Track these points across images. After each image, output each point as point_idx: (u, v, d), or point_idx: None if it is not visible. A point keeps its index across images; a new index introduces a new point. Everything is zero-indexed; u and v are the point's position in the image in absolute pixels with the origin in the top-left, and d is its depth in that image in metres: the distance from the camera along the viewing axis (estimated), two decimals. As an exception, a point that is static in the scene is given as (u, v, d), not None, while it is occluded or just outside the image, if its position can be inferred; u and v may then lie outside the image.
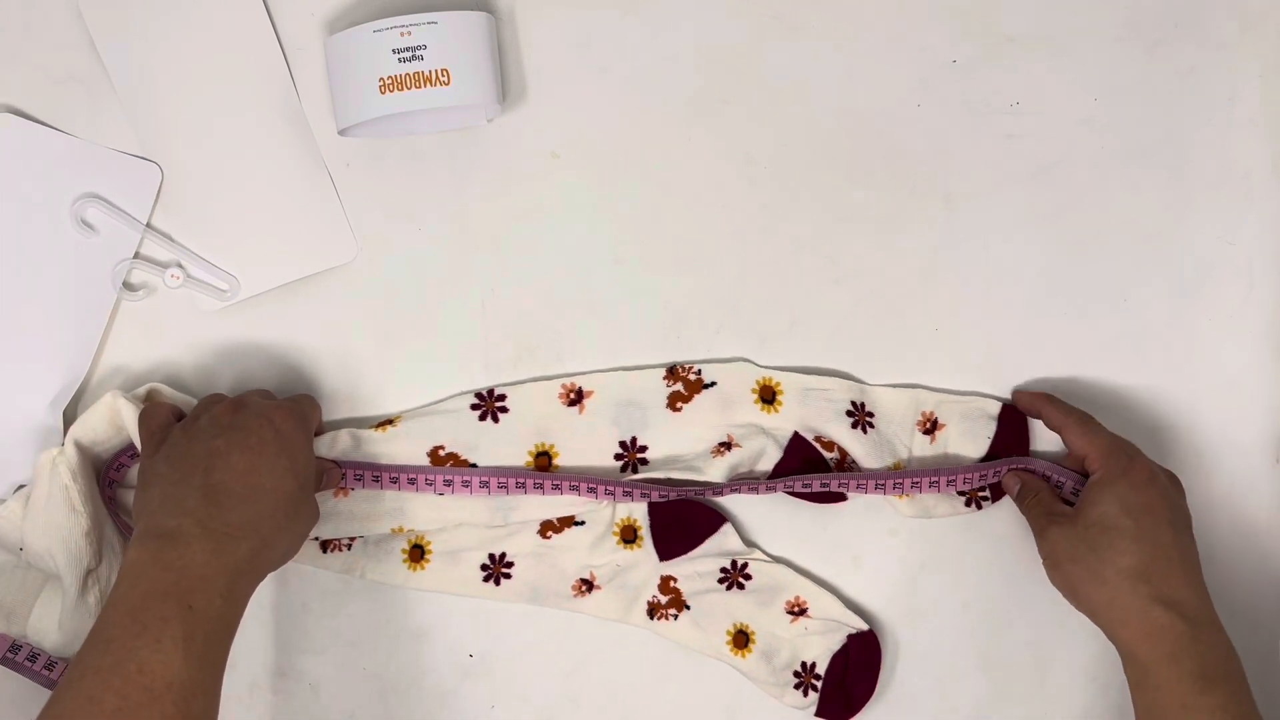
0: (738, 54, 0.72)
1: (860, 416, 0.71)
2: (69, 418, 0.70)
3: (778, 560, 0.73)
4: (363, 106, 0.66)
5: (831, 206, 0.72)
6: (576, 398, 0.71)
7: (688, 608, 0.72)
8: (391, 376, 0.72)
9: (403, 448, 0.70)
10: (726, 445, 0.71)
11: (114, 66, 0.69)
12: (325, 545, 0.71)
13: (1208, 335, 0.74)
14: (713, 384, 0.71)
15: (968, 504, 0.72)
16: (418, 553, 0.71)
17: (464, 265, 0.72)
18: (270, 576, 0.70)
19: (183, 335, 0.71)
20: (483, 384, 0.72)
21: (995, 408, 0.72)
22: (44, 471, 0.66)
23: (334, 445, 0.69)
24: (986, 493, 0.72)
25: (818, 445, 0.71)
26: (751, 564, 0.72)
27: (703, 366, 0.71)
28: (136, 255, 0.70)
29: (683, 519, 0.71)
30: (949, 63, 0.72)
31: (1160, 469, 0.68)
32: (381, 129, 0.70)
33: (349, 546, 0.71)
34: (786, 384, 0.72)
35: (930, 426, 0.72)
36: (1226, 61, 0.73)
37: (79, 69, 0.69)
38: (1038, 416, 0.71)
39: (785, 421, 0.71)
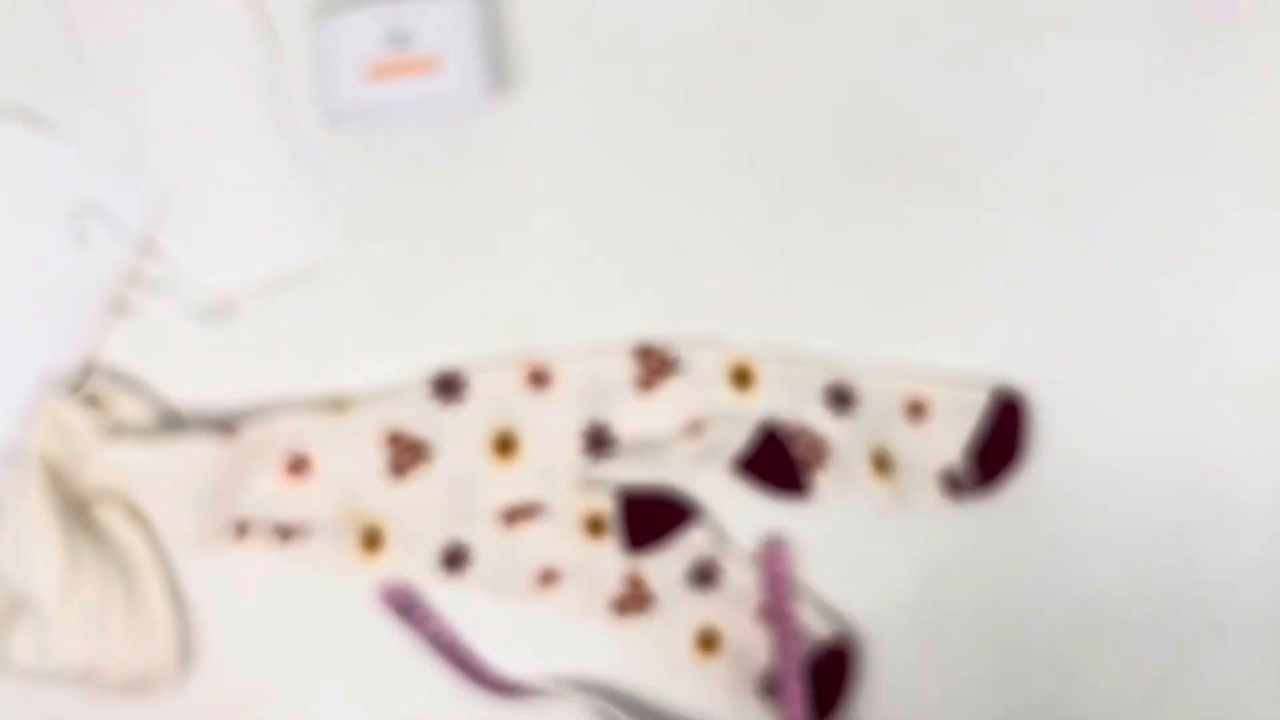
0: (743, 39, 0.71)
1: (840, 399, 0.70)
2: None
3: (752, 560, 0.72)
4: (350, 95, 0.66)
5: (840, 199, 0.72)
6: (541, 381, 0.70)
7: (653, 606, 0.71)
8: (378, 373, 0.71)
9: (356, 432, 0.69)
10: (696, 428, 0.69)
11: (95, 57, 0.69)
12: (286, 534, 0.70)
13: (1231, 333, 0.73)
14: (684, 364, 0.70)
15: (946, 490, 0.71)
16: (373, 537, 0.70)
17: (455, 258, 0.71)
18: (256, 592, 0.71)
19: (168, 339, 0.70)
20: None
21: (982, 396, 0.71)
22: (12, 495, 0.66)
23: (274, 429, 0.68)
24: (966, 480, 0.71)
25: (789, 436, 0.70)
26: (724, 563, 0.71)
27: (674, 346, 0.70)
28: (131, 273, 0.69)
29: (653, 512, 0.70)
30: (964, 50, 0.72)
31: None
32: (370, 118, 0.69)
33: (309, 535, 0.70)
34: (762, 364, 0.70)
35: (915, 411, 0.71)
36: (1249, 53, 0.73)
37: (60, 59, 0.69)
38: None
39: (758, 403, 0.70)
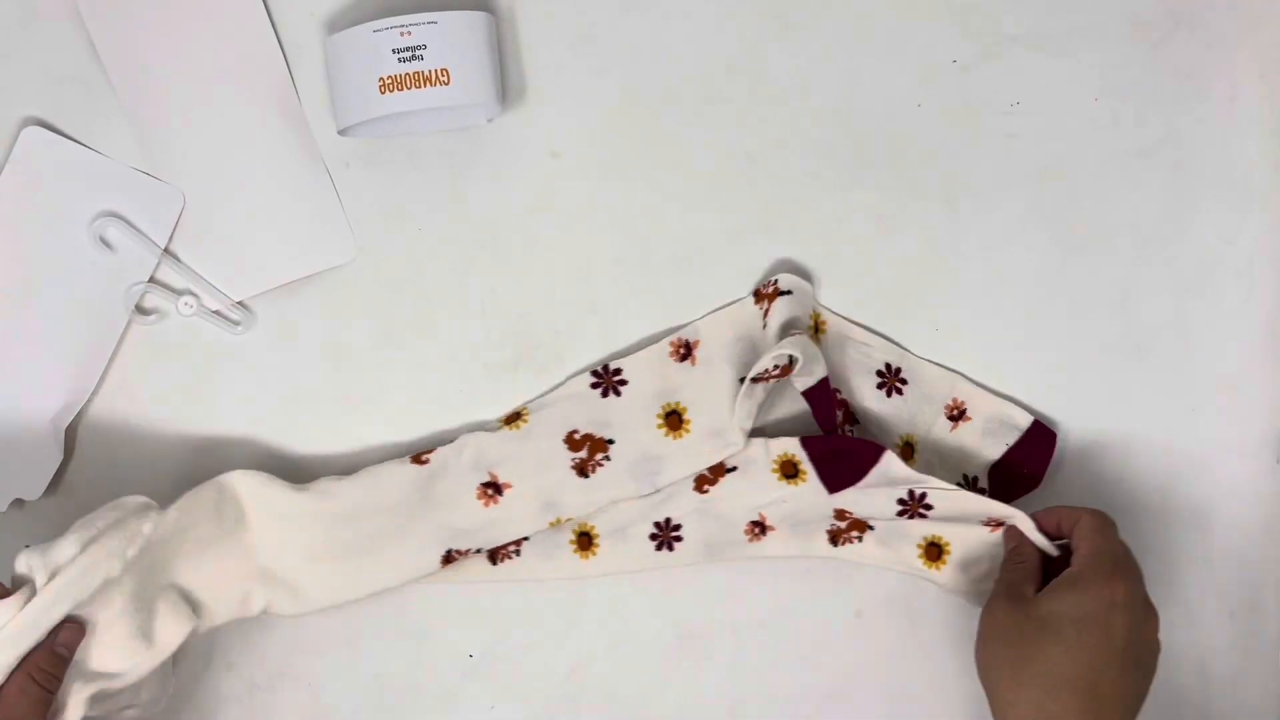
0: (738, 53, 0.72)
1: (891, 380, 0.71)
2: (71, 435, 0.70)
3: (957, 487, 0.70)
4: (362, 106, 0.66)
5: (832, 206, 0.72)
6: (686, 351, 0.71)
7: (871, 528, 0.71)
8: (390, 377, 0.72)
9: (537, 444, 0.70)
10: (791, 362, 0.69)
11: (112, 65, 0.69)
12: (494, 556, 0.71)
13: (1209, 335, 0.74)
14: (788, 292, 0.70)
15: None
16: (585, 540, 0.72)
17: (464, 265, 0.71)
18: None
19: (188, 344, 0.71)
20: (482, 383, 0.72)
21: (1025, 420, 0.72)
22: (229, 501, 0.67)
23: (460, 455, 0.69)
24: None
25: (837, 395, 0.70)
26: (931, 494, 0.70)
27: (778, 278, 0.71)
28: (152, 279, 0.70)
29: (842, 450, 0.70)
30: (949, 62, 0.72)
31: (1142, 603, 0.62)
32: (381, 129, 0.70)
33: (518, 553, 0.71)
34: (831, 325, 0.72)
35: (957, 415, 0.72)
36: (1228, 61, 0.73)
37: (78, 68, 0.69)
38: (1056, 533, 0.67)
39: (817, 365, 0.69)
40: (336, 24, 0.70)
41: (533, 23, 0.71)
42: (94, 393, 0.70)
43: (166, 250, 0.70)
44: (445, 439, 0.71)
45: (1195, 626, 0.74)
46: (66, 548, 0.61)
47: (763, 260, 0.72)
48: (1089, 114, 0.73)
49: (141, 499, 0.65)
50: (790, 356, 0.67)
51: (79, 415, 0.70)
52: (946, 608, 0.73)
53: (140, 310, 0.70)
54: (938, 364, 0.72)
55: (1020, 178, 0.73)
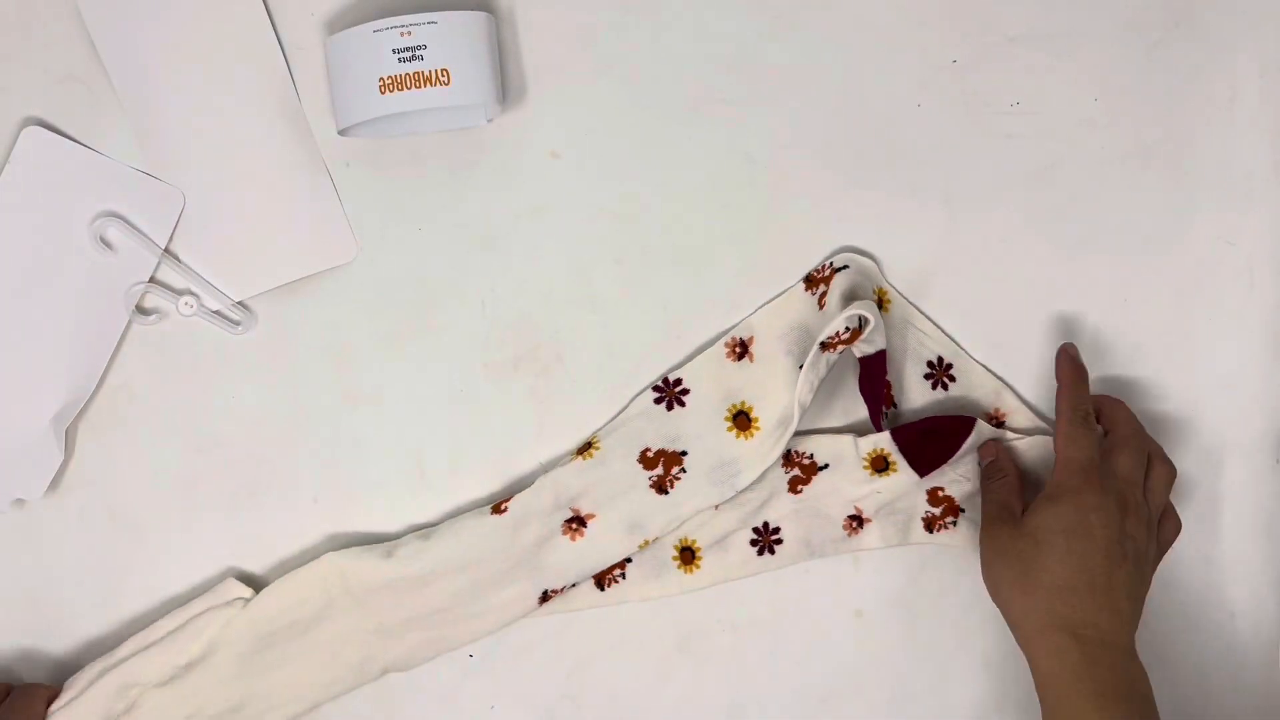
0: (738, 53, 0.72)
1: (939, 374, 0.72)
2: (71, 435, 0.70)
3: (1034, 432, 0.72)
4: (363, 106, 0.66)
5: (831, 206, 0.72)
6: (742, 349, 0.71)
7: (962, 511, 0.72)
8: (391, 377, 0.72)
9: (613, 469, 0.70)
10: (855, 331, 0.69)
11: (113, 65, 0.69)
12: (600, 582, 0.71)
13: (1208, 335, 0.74)
14: (844, 267, 0.70)
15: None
16: (688, 555, 0.72)
17: (464, 265, 0.72)
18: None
19: (188, 344, 0.71)
20: (482, 383, 0.72)
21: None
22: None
23: (540, 497, 0.70)
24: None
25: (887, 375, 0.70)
26: (1015, 446, 0.71)
27: (832, 260, 0.71)
28: (152, 279, 0.70)
29: (931, 432, 0.70)
30: (949, 63, 0.72)
31: (1116, 503, 0.66)
32: (382, 129, 0.70)
33: (623, 575, 0.71)
34: (895, 305, 0.72)
35: (996, 425, 0.72)
36: (1227, 61, 0.73)
37: (79, 68, 0.69)
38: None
39: (879, 334, 0.69)
40: (336, 24, 0.70)
41: (533, 23, 0.71)
42: (94, 393, 0.70)
43: (166, 250, 0.70)
44: (453, 443, 0.71)
45: (1196, 627, 0.74)
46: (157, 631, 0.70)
47: (762, 260, 0.72)
48: (1089, 114, 0.73)
49: (238, 585, 0.70)
50: (861, 318, 0.67)
51: (79, 415, 0.70)
52: (947, 607, 0.74)
53: (140, 310, 0.70)
54: (991, 370, 0.73)
55: (1020, 177, 0.73)
